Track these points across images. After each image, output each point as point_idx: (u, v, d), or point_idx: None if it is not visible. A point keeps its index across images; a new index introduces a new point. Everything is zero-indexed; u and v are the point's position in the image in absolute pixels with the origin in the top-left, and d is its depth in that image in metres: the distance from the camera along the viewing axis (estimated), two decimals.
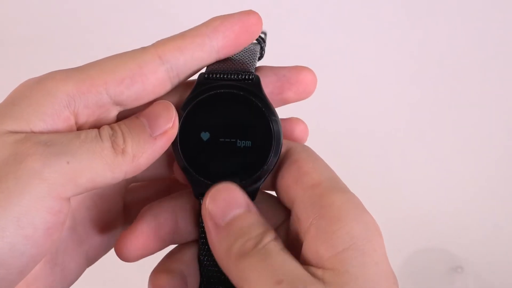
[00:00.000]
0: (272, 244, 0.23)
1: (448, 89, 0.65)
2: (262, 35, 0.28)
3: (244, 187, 0.26)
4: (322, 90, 0.66)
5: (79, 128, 0.24)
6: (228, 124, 0.25)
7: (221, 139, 0.25)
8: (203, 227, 0.26)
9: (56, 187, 0.21)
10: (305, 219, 0.24)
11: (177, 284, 0.26)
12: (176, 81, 0.24)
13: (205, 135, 0.26)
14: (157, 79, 0.24)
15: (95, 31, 0.61)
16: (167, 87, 0.24)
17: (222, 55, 0.25)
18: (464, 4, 0.66)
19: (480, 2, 0.66)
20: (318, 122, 0.63)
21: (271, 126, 0.26)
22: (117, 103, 0.24)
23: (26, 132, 0.22)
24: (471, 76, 0.65)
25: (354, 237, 0.23)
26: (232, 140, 0.26)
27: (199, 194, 0.26)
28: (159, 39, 0.24)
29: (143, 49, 0.24)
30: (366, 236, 0.23)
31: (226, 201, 0.25)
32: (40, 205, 0.21)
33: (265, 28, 0.28)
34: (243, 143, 0.26)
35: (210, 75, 0.26)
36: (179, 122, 0.25)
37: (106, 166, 0.22)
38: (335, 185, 0.25)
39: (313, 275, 0.22)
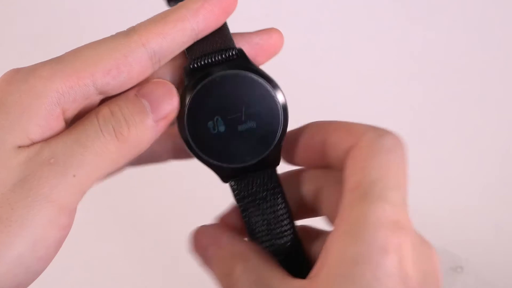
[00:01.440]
0: (241, 280, 0.24)
1: (449, 90, 0.65)
2: None
3: (267, 157, 0.26)
4: (322, 90, 0.66)
5: (67, 121, 0.23)
6: (231, 104, 0.25)
7: (229, 121, 0.25)
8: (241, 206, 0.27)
9: (66, 204, 0.21)
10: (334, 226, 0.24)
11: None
12: (157, 66, 0.24)
13: (213, 123, 0.25)
14: (141, 67, 0.23)
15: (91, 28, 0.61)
16: (149, 72, 0.24)
17: (200, 36, 0.25)
18: (465, 4, 0.66)
19: (480, 1, 0.66)
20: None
21: (272, 94, 0.26)
22: (101, 93, 0.23)
23: (26, 146, 0.22)
24: (472, 77, 0.65)
25: (344, 260, 0.21)
26: (239, 118, 0.26)
27: (226, 179, 0.27)
28: (140, 22, 0.24)
29: (126, 36, 0.23)
30: (361, 259, 0.21)
31: (200, 244, 0.26)
32: (52, 226, 0.21)
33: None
34: (252, 116, 0.26)
35: (196, 64, 0.26)
36: (183, 117, 0.25)
37: (111, 161, 0.23)
38: (370, 192, 0.22)
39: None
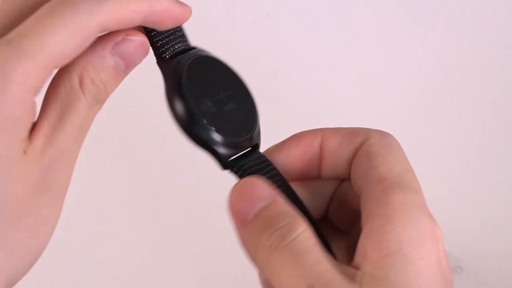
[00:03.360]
0: (302, 238, 0.23)
1: (450, 90, 0.65)
2: None
3: (254, 136, 0.27)
4: (322, 90, 0.66)
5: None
6: (214, 87, 0.27)
7: (216, 103, 0.26)
8: None
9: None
10: (365, 215, 0.24)
11: None
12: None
13: (205, 103, 0.26)
14: (90, 42, 0.23)
15: None
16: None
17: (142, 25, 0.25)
18: (465, 4, 0.66)
19: (480, 2, 0.66)
20: (318, 122, 0.63)
21: (241, 78, 0.28)
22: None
23: (29, 143, 0.22)
24: (473, 77, 0.65)
25: (402, 241, 0.22)
26: (223, 100, 0.27)
27: (225, 166, 0.27)
28: None
29: (89, 14, 0.22)
30: (415, 242, 0.22)
31: (251, 196, 0.24)
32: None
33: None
34: (229, 97, 0.27)
35: (170, 54, 0.27)
36: (183, 112, 0.26)
37: (90, 122, 0.24)
38: (401, 182, 0.24)
39: (352, 277, 0.22)
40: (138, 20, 0.24)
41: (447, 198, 0.62)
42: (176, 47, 0.27)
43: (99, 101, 0.24)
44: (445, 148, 0.64)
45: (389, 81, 0.65)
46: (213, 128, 0.26)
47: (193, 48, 0.28)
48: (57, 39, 0.21)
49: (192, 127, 0.26)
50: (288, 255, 0.22)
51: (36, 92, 0.22)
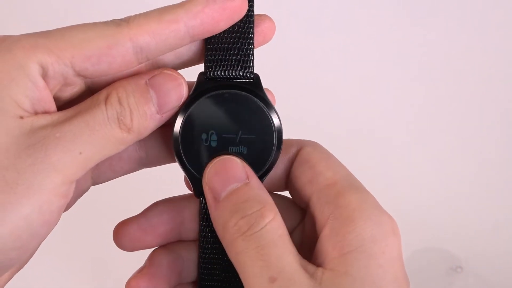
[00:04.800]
0: (269, 228, 0.23)
1: (450, 90, 0.65)
2: None
3: None
4: (322, 91, 0.66)
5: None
6: (230, 123, 0.25)
7: (222, 139, 0.26)
8: (203, 228, 0.26)
9: (69, 176, 0.22)
10: (321, 219, 0.24)
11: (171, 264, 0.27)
12: (144, 60, 0.24)
13: (206, 135, 0.26)
14: (124, 60, 0.23)
15: None
16: (134, 66, 0.24)
17: (196, 39, 0.24)
18: (465, 4, 0.66)
19: (481, 2, 0.66)
20: (319, 123, 0.63)
21: (272, 124, 0.26)
22: (80, 76, 0.23)
23: (28, 117, 0.22)
24: (473, 77, 0.65)
25: (364, 239, 0.23)
26: (233, 139, 0.26)
27: (200, 193, 0.26)
28: (137, 14, 0.23)
29: (116, 26, 0.23)
30: (377, 238, 0.23)
31: (225, 174, 0.25)
32: (56, 193, 0.22)
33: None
34: (245, 141, 0.26)
35: (210, 74, 0.26)
36: (181, 123, 0.25)
37: (113, 146, 0.23)
38: (351, 184, 0.25)
39: (312, 274, 0.22)
40: (181, 31, 0.23)
41: (448, 198, 0.62)
42: (217, 69, 0.26)
43: (122, 126, 0.23)
44: (445, 148, 0.64)
45: (389, 83, 0.65)
46: (188, 163, 0.25)
47: (246, 79, 0.26)
48: (83, 37, 0.22)
49: (175, 149, 0.26)
50: (254, 245, 0.22)
51: (44, 70, 0.22)
